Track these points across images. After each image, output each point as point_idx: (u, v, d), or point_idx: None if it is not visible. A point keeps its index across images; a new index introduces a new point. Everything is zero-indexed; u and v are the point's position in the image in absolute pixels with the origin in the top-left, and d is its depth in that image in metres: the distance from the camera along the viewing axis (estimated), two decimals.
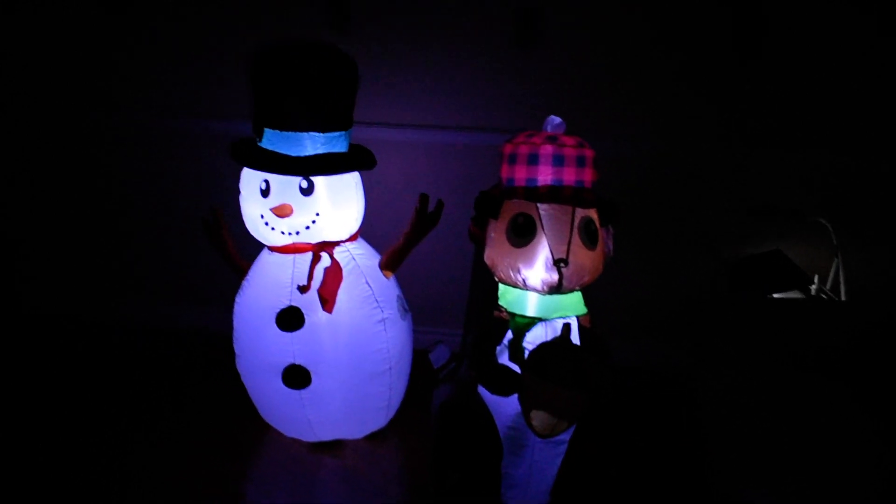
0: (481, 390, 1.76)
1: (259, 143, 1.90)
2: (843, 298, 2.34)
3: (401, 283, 2.20)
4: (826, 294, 2.40)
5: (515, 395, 1.65)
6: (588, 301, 1.80)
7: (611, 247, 1.80)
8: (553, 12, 2.49)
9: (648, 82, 2.53)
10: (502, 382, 1.66)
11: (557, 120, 1.74)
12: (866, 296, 2.46)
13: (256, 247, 2.08)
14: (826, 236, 2.38)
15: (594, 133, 1.92)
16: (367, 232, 2.15)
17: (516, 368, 1.67)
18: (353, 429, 2.20)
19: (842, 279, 2.35)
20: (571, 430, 1.78)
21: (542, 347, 1.62)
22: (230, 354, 2.14)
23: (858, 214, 2.51)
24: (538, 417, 1.62)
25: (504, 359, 1.71)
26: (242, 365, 2.12)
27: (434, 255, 2.62)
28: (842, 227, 2.38)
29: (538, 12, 2.48)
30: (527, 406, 1.62)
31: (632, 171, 2.57)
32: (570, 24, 2.50)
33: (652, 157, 2.59)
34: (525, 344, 1.70)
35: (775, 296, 2.35)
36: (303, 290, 1.94)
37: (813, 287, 2.44)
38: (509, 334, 1.73)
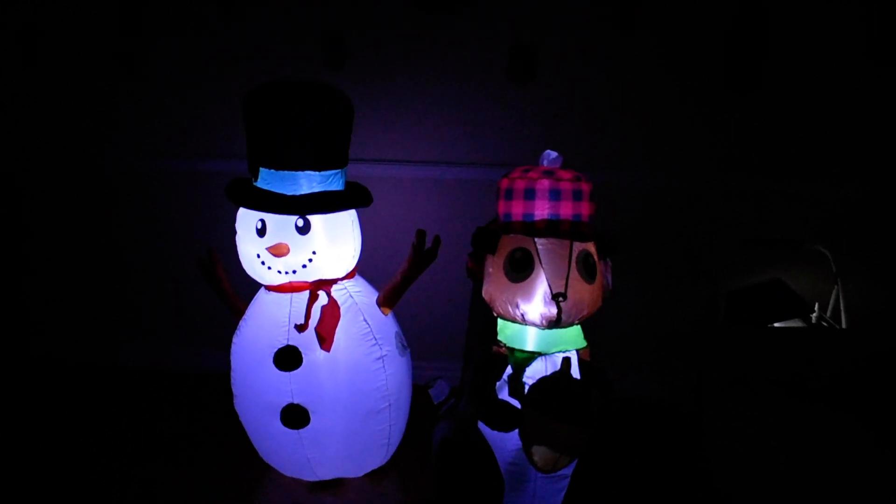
0: (482, 426, 1.74)
1: (255, 183, 1.90)
2: (843, 326, 2.34)
3: (399, 320, 2.19)
4: (827, 321, 2.40)
5: (516, 431, 1.64)
6: (588, 334, 1.80)
7: (609, 280, 1.79)
8: (547, 48, 2.51)
9: (645, 114, 2.55)
10: (502, 418, 1.65)
11: (553, 154, 1.75)
12: (867, 323, 2.45)
13: (253, 287, 2.07)
14: (825, 264, 2.38)
15: (591, 166, 1.92)
16: (364, 269, 2.15)
17: (516, 404, 1.66)
18: (354, 467, 2.18)
19: (842, 306, 2.35)
20: (573, 464, 1.76)
21: (542, 382, 1.62)
22: (228, 395, 2.13)
23: (857, 242, 2.52)
24: (539, 453, 1.60)
25: (504, 394, 1.70)
26: (241, 405, 2.10)
27: (432, 290, 2.61)
28: (841, 254, 2.38)
29: (532, 49, 2.50)
30: (528, 441, 1.61)
31: (630, 203, 2.57)
32: (565, 60, 2.52)
33: (650, 189, 2.60)
34: (525, 379, 1.69)
35: (777, 325, 2.35)
36: (300, 328, 1.92)
37: (814, 315, 2.44)
38: (509, 369, 1.72)
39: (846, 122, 2.47)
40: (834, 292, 2.40)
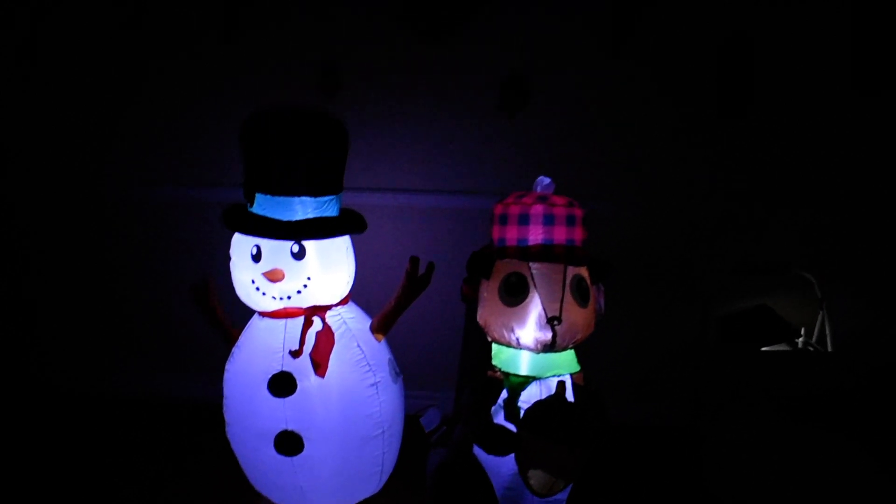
0: (477, 451, 1.75)
1: (250, 209, 1.91)
2: (829, 350, 2.37)
3: (391, 347, 2.19)
4: (812, 346, 2.43)
5: (512, 455, 1.65)
6: (581, 359, 1.81)
7: (602, 304, 1.82)
8: (538, 77, 2.55)
9: (635, 142, 2.59)
10: (499, 442, 1.66)
11: (547, 180, 1.78)
12: (851, 347, 2.48)
13: (245, 316, 2.07)
14: (811, 290, 2.41)
15: (583, 193, 1.94)
16: (357, 295, 2.16)
17: (512, 427, 1.67)
18: (346, 495, 2.16)
19: (827, 331, 2.38)
20: (569, 488, 1.77)
21: (538, 405, 1.63)
22: (220, 423, 2.12)
23: (841, 268, 2.55)
24: (536, 476, 1.61)
25: (500, 418, 1.71)
26: (233, 433, 2.08)
27: (424, 318, 2.61)
28: (826, 280, 2.41)
29: (523, 78, 2.54)
30: (524, 465, 1.62)
31: (621, 229, 2.60)
32: (556, 89, 2.56)
33: (640, 216, 2.63)
34: (520, 403, 1.71)
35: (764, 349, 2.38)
36: (295, 354, 1.92)
37: (799, 340, 2.47)
38: (504, 394, 1.73)
39: (832, 150, 2.52)
40: (819, 318, 2.44)
